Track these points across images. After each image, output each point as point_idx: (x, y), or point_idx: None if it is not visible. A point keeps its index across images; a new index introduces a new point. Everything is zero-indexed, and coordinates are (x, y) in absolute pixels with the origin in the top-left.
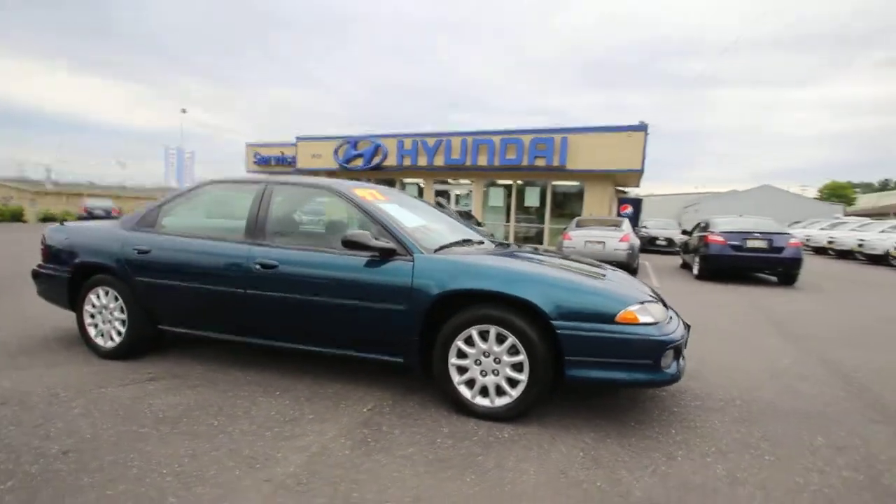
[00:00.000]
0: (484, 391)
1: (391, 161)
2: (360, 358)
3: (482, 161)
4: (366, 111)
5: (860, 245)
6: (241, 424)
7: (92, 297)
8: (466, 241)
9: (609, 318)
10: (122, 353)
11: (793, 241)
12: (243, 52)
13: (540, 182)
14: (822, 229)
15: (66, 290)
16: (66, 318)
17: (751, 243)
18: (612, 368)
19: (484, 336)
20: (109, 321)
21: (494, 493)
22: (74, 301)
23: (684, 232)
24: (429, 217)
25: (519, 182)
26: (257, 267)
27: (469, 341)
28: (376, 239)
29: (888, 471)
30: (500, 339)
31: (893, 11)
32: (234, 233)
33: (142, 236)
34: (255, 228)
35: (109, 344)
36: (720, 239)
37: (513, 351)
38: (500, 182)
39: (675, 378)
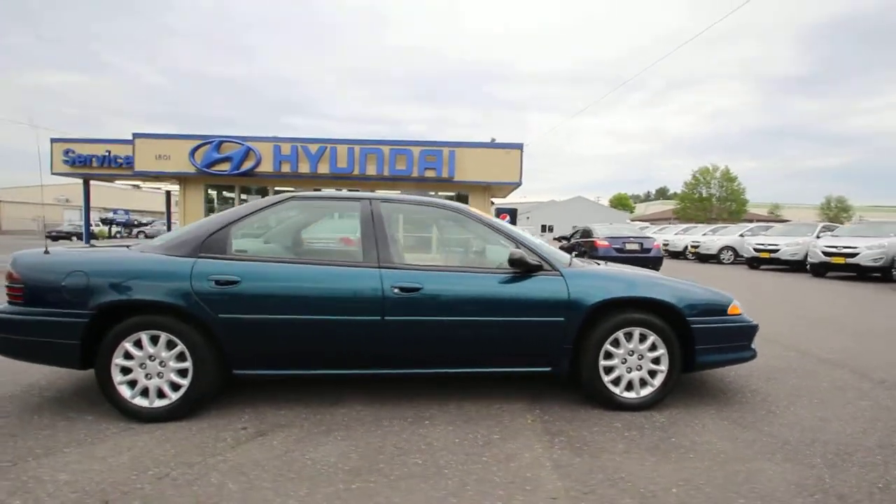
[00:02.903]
0: (628, 386)
1: (266, 167)
2: (506, 374)
3: (371, 171)
4: (177, 104)
5: (665, 244)
6: (444, 457)
7: (127, 346)
8: (576, 256)
9: (724, 311)
10: (180, 413)
11: (656, 243)
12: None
13: (427, 192)
14: None
15: (79, 340)
16: None
17: (629, 246)
18: (726, 351)
19: (628, 337)
20: (160, 374)
21: (719, 460)
22: (88, 354)
23: (563, 237)
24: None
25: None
26: (396, 291)
27: (614, 343)
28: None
29: (877, 394)
30: (641, 339)
31: (643, 64)
32: (343, 255)
33: (219, 264)
34: (378, 250)
35: (160, 403)
36: (606, 243)
37: (650, 347)
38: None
39: (756, 354)
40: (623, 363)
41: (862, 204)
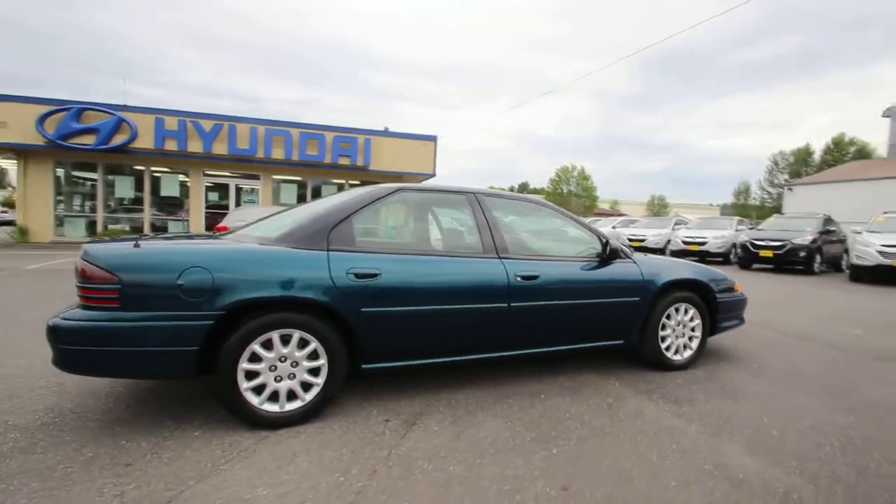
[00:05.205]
0: (675, 351)
1: (145, 143)
2: (588, 349)
3: (278, 154)
4: None
5: None
6: (593, 420)
7: (256, 347)
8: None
9: (732, 288)
10: (312, 414)
11: None
12: None
13: (338, 181)
14: None
15: (198, 346)
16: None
17: None
18: (732, 319)
19: (675, 311)
20: (290, 375)
21: (767, 396)
22: (206, 361)
23: None
24: None
25: (298, 179)
26: (518, 279)
27: (667, 317)
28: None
29: (805, 345)
30: (684, 312)
31: (514, 68)
32: (461, 246)
33: (354, 257)
34: (495, 241)
35: (291, 406)
36: None
37: (691, 318)
38: (292, 178)
39: (745, 321)
40: (673, 332)
41: (675, 202)
